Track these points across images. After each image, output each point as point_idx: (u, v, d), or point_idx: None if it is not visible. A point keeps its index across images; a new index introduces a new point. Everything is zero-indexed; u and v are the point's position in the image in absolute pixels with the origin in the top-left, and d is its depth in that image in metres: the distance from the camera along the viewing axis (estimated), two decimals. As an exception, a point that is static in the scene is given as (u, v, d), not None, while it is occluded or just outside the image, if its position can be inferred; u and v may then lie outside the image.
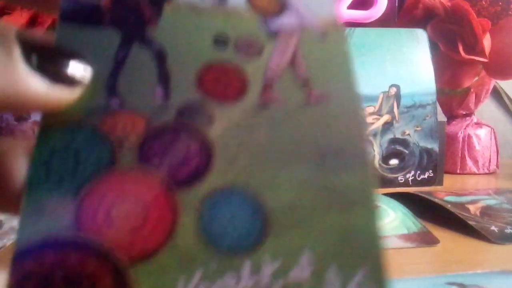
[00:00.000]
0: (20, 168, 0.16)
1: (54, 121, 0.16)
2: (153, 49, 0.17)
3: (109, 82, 0.17)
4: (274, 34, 0.18)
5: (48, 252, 0.14)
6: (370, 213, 0.15)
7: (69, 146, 0.15)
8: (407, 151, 0.73)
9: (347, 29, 0.75)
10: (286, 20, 0.18)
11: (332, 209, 0.16)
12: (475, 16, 0.78)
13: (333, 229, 0.15)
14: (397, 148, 0.73)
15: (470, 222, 0.47)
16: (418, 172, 0.73)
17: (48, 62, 0.15)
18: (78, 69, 0.16)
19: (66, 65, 0.15)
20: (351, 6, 0.79)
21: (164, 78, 0.17)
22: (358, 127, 0.17)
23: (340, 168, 0.16)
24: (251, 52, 0.18)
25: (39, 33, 0.15)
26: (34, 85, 0.14)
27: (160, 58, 0.17)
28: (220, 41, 0.18)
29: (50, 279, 0.14)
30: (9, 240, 0.41)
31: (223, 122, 0.17)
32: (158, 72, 0.17)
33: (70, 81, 0.15)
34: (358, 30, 0.74)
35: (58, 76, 0.15)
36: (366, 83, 0.72)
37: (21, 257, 0.14)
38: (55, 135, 0.16)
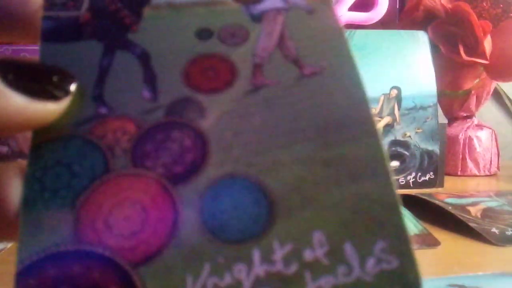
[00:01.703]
0: (15, 190, 0.16)
1: (44, 137, 0.16)
2: (136, 53, 0.17)
3: (95, 91, 0.16)
4: (258, 18, 0.18)
5: (50, 266, 0.14)
6: (382, 182, 0.15)
7: (61, 161, 0.15)
8: (408, 153, 0.73)
9: (348, 31, 0.75)
10: (268, 4, 0.18)
11: (340, 184, 0.15)
12: (476, 18, 0.78)
13: (344, 203, 0.15)
14: (398, 150, 0.73)
15: (471, 224, 0.47)
16: (419, 174, 0.73)
17: (26, 79, 0.15)
18: (60, 83, 0.15)
19: (47, 80, 0.15)
20: (352, 8, 0.79)
21: (149, 79, 0.17)
22: (359, 98, 0.16)
23: (344, 140, 0.16)
24: (236, 41, 0.18)
25: (17, 57, 0.15)
26: (13, 102, 0.14)
27: (144, 60, 0.17)
28: (203, 34, 0.18)
29: None
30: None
31: (215, 113, 0.16)
32: (143, 74, 0.17)
33: (52, 96, 0.15)
34: (359, 32, 0.74)
35: (38, 92, 0.15)
36: (367, 85, 0.72)
37: (24, 274, 0.14)
38: (46, 151, 0.15)
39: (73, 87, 0.16)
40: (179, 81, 0.17)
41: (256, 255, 0.14)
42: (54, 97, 0.15)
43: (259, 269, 0.14)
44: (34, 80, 0.15)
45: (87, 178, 0.15)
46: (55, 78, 0.15)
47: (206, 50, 0.17)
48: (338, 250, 0.14)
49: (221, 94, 0.17)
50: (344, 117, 0.16)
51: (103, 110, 0.16)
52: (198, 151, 0.16)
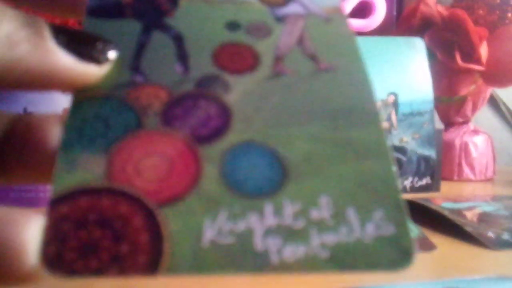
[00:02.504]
0: (54, 137, 0.18)
1: (84, 95, 0.17)
2: (171, 34, 0.19)
3: (133, 62, 0.18)
4: (281, 20, 0.20)
5: (81, 198, 0.15)
6: (384, 163, 0.17)
7: (99, 115, 0.17)
8: (404, 158, 0.73)
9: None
10: (291, 9, 0.20)
11: (347, 160, 0.17)
12: (472, 24, 0.78)
13: (349, 176, 0.16)
14: (395, 155, 0.73)
15: (467, 228, 0.47)
16: (416, 179, 0.73)
17: (75, 41, 0.16)
18: (102, 48, 0.17)
19: (92, 45, 0.17)
20: (349, 15, 0.80)
21: (182, 57, 0.19)
22: (367, 92, 0.18)
23: (351, 125, 0.18)
24: (261, 34, 0.20)
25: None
26: (63, 60, 0.16)
27: (178, 40, 0.19)
28: (231, 26, 0.20)
29: (84, 220, 0.15)
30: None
31: (239, 90, 0.18)
32: (177, 52, 0.19)
33: (96, 59, 0.17)
34: (357, 38, 0.74)
35: (84, 54, 0.16)
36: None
37: (56, 202, 0.15)
38: (85, 106, 0.17)
39: (114, 54, 0.18)
40: (208, 61, 0.19)
41: (268, 208, 0.16)
42: (97, 61, 0.17)
43: (270, 220, 0.15)
44: (81, 44, 0.16)
45: (121, 131, 0.17)
46: (99, 45, 0.17)
47: (234, 39, 0.20)
48: (342, 213, 0.16)
49: (245, 76, 0.19)
50: (352, 106, 0.18)
51: (138, 78, 0.18)
52: (222, 119, 0.17)
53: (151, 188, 0.16)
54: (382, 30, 0.83)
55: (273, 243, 0.15)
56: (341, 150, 0.17)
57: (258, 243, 0.15)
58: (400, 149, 0.73)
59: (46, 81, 0.16)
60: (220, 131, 0.17)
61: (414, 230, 0.48)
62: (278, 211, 0.16)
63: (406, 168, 0.73)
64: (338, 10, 0.21)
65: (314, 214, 0.16)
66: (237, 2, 0.21)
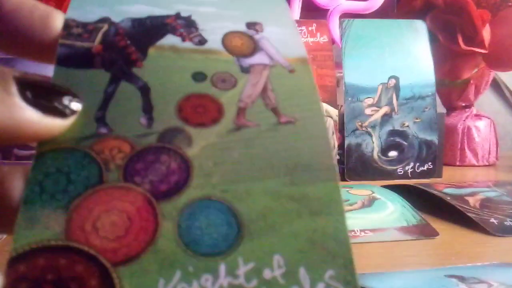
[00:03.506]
0: (17, 189, 0.18)
1: (48, 147, 0.17)
2: (139, 85, 0.20)
3: (98, 114, 0.19)
4: (246, 70, 0.21)
5: (40, 256, 0.15)
6: (337, 220, 0.17)
7: (61, 168, 0.17)
8: (406, 143, 0.73)
9: (346, 21, 0.75)
10: (257, 59, 0.21)
11: (301, 217, 0.17)
12: (475, 7, 0.77)
13: (302, 233, 0.17)
14: (396, 140, 0.73)
15: (470, 214, 0.46)
16: (417, 164, 0.73)
17: (41, 97, 0.17)
18: (68, 102, 0.18)
19: (58, 99, 0.17)
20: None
21: (147, 109, 0.19)
22: (324, 147, 0.19)
23: (308, 181, 0.18)
24: (226, 86, 0.20)
25: (35, 75, 0.17)
26: (28, 115, 0.16)
27: (145, 91, 0.19)
28: (198, 77, 0.20)
29: (41, 280, 0.15)
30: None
31: (200, 143, 0.19)
32: (143, 104, 0.19)
33: (61, 113, 0.17)
34: (357, 21, 0.74)
35: (49, 109, 0.17)
36: (365, 75, 0.72)
37: (15, 261, 0.15)
38: (49, 159, 0.17)
39: (79, 107, 0.18)
40: (172, 113, 0.19)
41: (222, 268, 0.16)
42: (62, 115, 0.17)
43: (224, 281, 0.16)
44: (47, 98, 0.17)
45: (82, 186, 0.17)
46: (65, 99, 0.18)
47: (199, 90, 0.20)
48: (293, 273, 0.16)
49: (207, 129, 0.19)
50: (309, 161, 0.19)
51: (103, 130, 0.18)
52: (182, 174, 0.18)
53: (108, 246, 0.16)
54: (383, 13, 0.82)
55: None
56: (296, 206, 0.17)
57: None
58: (401, 134, 0.72)
59: (10, 136, 0.16)
60: (180, 186, 0.17)
61: (416, 216, 0.47)
62: (231, 271, 0.16)
63: (407, 153, 0.73)
64: (303, 61, 0.21)
65: (267, 273, 0.16)
66: (205, 51, 0.21)
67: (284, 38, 0.22)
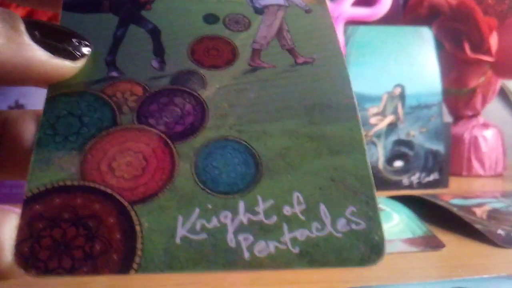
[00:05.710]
0: (29, 132, 0.19)
1: (59, 91, 0.18)
2: (148, 28, 0.20)
3: (108, 58, 0.19)
4: (260, 11, 0.21)
5: (56, 196, 0.16)
6: (358, 158, 0.17)
7: (73, 112, 0.17)
8: (412, 153, 0.72)
9: (350, 27, 0.74)
10: (271, 0, 0.21)
11: (321, 155, 0.17)
12: (482, 14, 0.77)
13: (321, 172, 0.17)
14: (401, 150, 0.72)
15: (476, 226, 0.46)
16: (423, 174, 0.72)
17: (49, 37, 0.17)
18: (77, 44, 0.18)
19: (66, 41, 0.17)
20: (355, 4, 0.78)
21: (159, 51, 0.19)
22: (344, 86, 0.19)
23: (326, 120, 0.18)
24: (239, 27, 0.20)
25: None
26: (37, 55, 0.16)
27: (154, 34, 0.19)
28: (209, 19, 0.20)
29: (58, 218, 0.15)
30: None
31: (215, 85, 0.19)
32: (153, 47, 0.19)
33: (70, 54, 0.17)
34: (362, 28, 0.74)
35: (58, 50, 0.17)
36: (370, 83, 0.71)
37: (30, 201, 0.15)
38: (60, 103, 0.17)
39: (88, 50, 0.18)
40: (185, 56, 0.19)
41: (241, 205, 0.16)
42: (71, 57, 0.17)
43: (243, 217, 0.16)
44: (56, 40, 0.17)
45: (96, 128, 0.17)
46: (74, 40, 0.18)
47: (211, 33, 0.20)
48: (314, 209, 0.16)
49: (221, 70, 0.19)
50: (328, 101, 0.18)
51: (114, 74, 0.18)
52: (197, 115, 0.18)
53: (125, 185, 0.16)
54: (388, 20, 0.81)
55: (245, 239, 0.16)
56: (315, 145, 0.18)
57: (231, 239, 0.16)
58: (407, 143, 0.72)
59: (20, 75, 0.16)
60: (195, 127, 0.18)
61: (422, 227, 0.46)
62: (250, 208, 0.16)
63: (413, 163, 0.72)
64: (320, 1, 0.21)
65: (286, 210, 0.16)
66: None
67: None
